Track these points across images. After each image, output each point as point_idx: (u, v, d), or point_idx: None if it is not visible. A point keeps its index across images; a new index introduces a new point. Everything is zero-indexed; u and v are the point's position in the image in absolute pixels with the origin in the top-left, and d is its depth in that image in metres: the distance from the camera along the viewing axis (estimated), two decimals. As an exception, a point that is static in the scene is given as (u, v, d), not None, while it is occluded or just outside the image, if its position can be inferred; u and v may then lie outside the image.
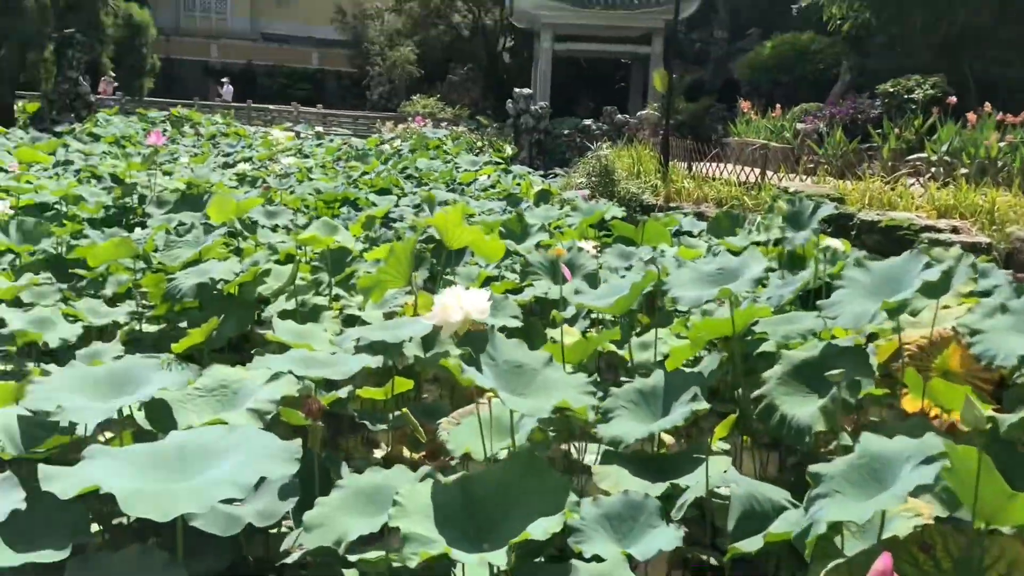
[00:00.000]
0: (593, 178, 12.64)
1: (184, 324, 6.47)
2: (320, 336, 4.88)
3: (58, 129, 19.55)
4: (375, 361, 3.31)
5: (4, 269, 7.26)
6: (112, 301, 7.01)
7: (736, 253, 6.30)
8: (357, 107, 38.73)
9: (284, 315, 5.66)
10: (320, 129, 24.21)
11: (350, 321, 5.80)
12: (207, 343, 5.56)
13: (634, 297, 3.60)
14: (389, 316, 5.79)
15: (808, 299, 4.41)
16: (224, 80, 36.92)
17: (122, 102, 27.53)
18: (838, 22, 18.11)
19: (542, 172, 17.74)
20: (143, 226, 9.66)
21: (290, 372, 3.06)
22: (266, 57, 43.83)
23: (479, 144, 20.43)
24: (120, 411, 2.68)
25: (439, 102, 36.03)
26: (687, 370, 3.34)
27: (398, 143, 18.56)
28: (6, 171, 12.74)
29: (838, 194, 8.18)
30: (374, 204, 11.58)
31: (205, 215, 9.77)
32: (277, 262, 6.91)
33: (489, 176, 14.90)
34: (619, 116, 20.75)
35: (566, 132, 21.85)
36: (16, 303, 6.37)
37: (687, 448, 3.58)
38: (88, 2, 21.91)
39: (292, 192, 11.60)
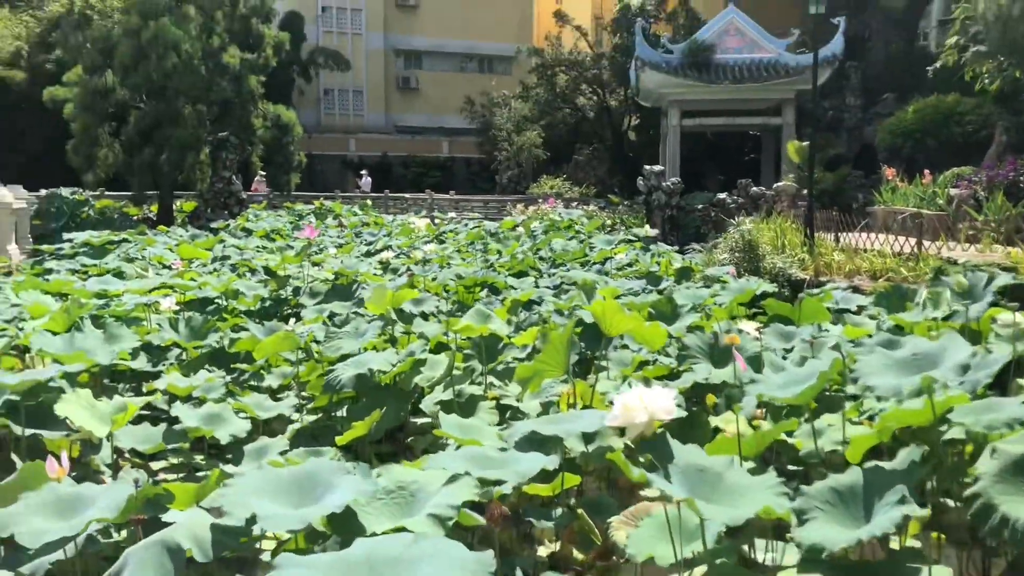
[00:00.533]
0: (736, 253, 12.33)
1: (341, 413, 6.59)
2: (486, 431, 4.81)
3: (213, 225, 20.81)
4: (551, 462, 3.19)
5: (171, 363, 7.63)
6: (274, 393, 7.23)
7: (908, 331, 5.94)
8: (486, 191, 39.72)
9: (443, 406, 5.66)
10: (453, 214, 24.83)
11: (507, 411, 5.75)
12: (368, 434, 5.63)
13: (821, 386, 3.37)
14: (547, 406, 5.70)
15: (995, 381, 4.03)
16: (363, 172, 38.68)
17: (269, 197, 29.21)
18: (985, 81, 17.31)
19: (677, 248, 17.49)
20: (297, 317, 10.02)
21: (467, 474, 2.97)
22: (400, 148, 45.73)
23: (611, 222, 20.42)
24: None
25: (566, 182, 36.51)
26: (887, 466, 3.07)
27: (533, 224, 18.77)
28: (170, 268, 13.61)
29: (1011, 263, 7.64)
30: (512, 287, 11.65)
31: (355, 304, 10.10)
32: (429, 351, 6.98)
33: (625, 254, 14.77)
34: (754, 189, 20.37)
35: (699, 207, 21.58)
36: (186, 396, 6.66)
37: (887, 551, 3.28)
38: (239, 107, 23.47)
39: (435, 279, 11.83)
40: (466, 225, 22.81)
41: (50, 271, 12.93)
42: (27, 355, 6.91)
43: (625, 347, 7.15)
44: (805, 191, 20.18)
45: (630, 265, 14.58)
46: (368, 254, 15.92)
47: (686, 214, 21.94)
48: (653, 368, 6.71)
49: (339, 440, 5.83)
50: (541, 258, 15.19)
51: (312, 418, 6.57)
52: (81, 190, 25.00)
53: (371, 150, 45.12)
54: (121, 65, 21.47)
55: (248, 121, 23.36)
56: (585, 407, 5.91)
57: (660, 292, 11.49)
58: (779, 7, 38.87)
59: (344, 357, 7.44)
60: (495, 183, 42.09)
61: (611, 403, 3.19)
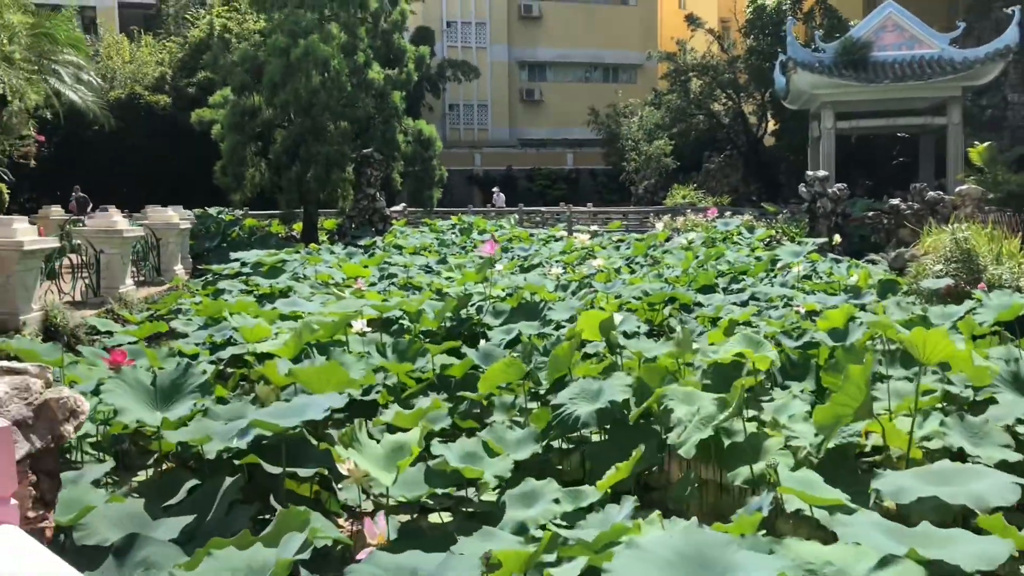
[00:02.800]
0: (953, 264, 11.11)
1: (560, 444, 5.89)
2: (825, 488, 3.98)
3: (361, 243, 20.67)
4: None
5: (379, 389, 7.10)
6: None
7: None
8: (614, 203, 38.84)
9: (705, 447, 4.87)
10: (596, 228, 24.09)
11: (798, 452, 4.91)
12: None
13: None
14: (846, 449, 4.84)
15: None
16: (495, 189, 38.52)
17: (404, 213, 29.14)
18: None
19: (849, 258, 16.20)
20: (485, 337, 9.44)
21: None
22: (524, 162, 45.38)
23: (772, 232, 19.24)
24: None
25: (697, 191, 35.28)
26: None
27: (692, 236, 17.82)
28: (341, 286, 13.31)
29: None
30: (699, 304, 10.78)
31: (542, 324, 9.43)
32: (666, 379, 6.21)
33: (800, 267, 13.61)
34: (931, 193, 18.82)
35: (869, 214, 20.13)
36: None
37: None
38: (382, 122, 23.39)
39: (619, 296, 11.06)
40: (609, 237, 22.02)
41: (222, 291, 12.81)
42: (257, 381, 6.50)
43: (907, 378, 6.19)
44: (991, 195, 18.56)
45: (808, 277, 13.49)
46: (524, 269, 15.31)
47: (851, 222, 20.52)
48: (936, 396, 5.78)
49: (600, 485, 5.13)
50: (717, 271, 14.21)
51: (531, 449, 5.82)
52: (228, 210, 25.46)
53: (496, 164, 44.93)
54: (269, 84, 21.66)
55: (392, 137, 23.24)
56: (904, 455, 5.04)
57: (863, 308, 10.43)
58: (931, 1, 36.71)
59: (559, 382, 6.76)
60: (624, 194, 41.15)
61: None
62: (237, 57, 23.33)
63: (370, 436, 4.68)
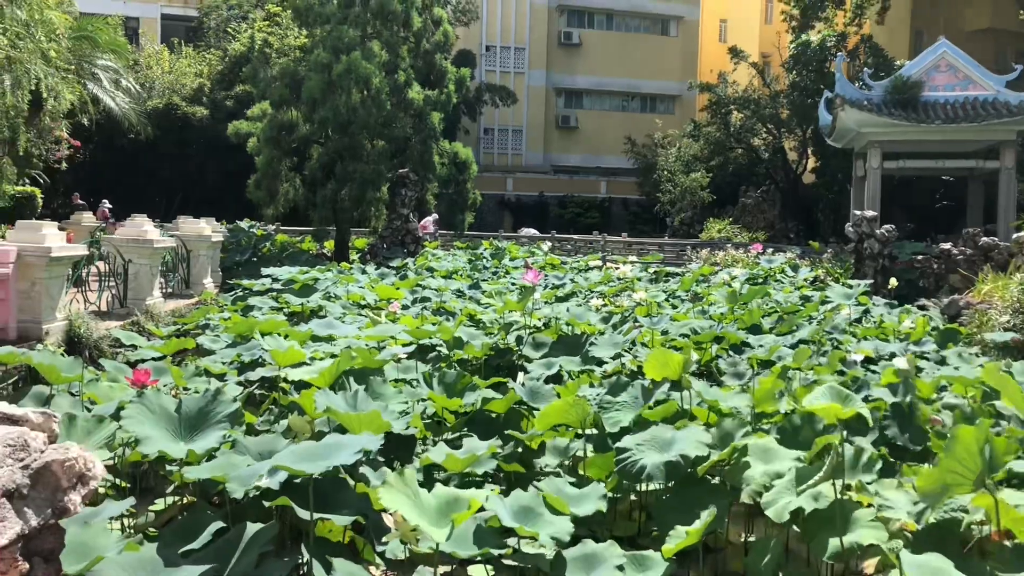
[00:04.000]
0: (1021, 315, 10.47)
1: (634, 504, 5.32)
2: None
3: (393, 264, 20.26)
4: None
5: (427, 421, 6.60)
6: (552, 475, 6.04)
7: None
8: (645, 233, 38.28)
9: (801, 517, 4.28)
10: (634, 259, 23.55)
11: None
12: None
13: None
14: (950, 526, 4.24)
15: None
16: (524, 230, 37.86)
17: (435, 236, 28.73)
18: None
19: (895, 302, 15.52)
20: (523, 370, 8.92)
21: None
22: (557, 188, 44.97)
23: (818, 272, 18.60)
24: None
25: (733, 226, 34.66)
26: None
27: (735, 272, 17.22)
28: (372, 307, 12.86)
29: None
30: (747, 343, 10.20)
31: (583, 360, 8.88)
32: (742, 432, 5.64)
33: (848, 309, 12.97)
34: (985, 239, 18.10)
35: (919, 257, 19.43)
36: (465, 477, 5.54)
37: None
38: (420, 143, 23.05)
39: (665, 332, 10.50)
40: (645, 269, 21.46)
41: (251, 307, 12.39)
42: (287, 408, 6.01)
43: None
44: (1050, 243, 17.79)
45: (859, 320, 12.87)
46: (559, 299, 14.79)
47: (898, 265, 19.82)
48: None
49: (666, 550, 4.58)
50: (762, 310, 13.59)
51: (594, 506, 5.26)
52: (259, 224, 25.18)
53: (528, 190, 44.55)
54: (309, 99, 21.40)
55: (428, 158, 22.88)
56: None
57: (923, 356, 9.81)
58: (984, 42, 36.07)
59: (623, 431, 6.23)
60: (657, 225, 40.58)
61: None
62: (277, 71, 23.14)
63: (420, 484, 4.15)
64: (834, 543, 4.23)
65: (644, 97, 49.38)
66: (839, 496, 4.46)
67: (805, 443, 5.21)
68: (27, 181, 15.36)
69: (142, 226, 13.17)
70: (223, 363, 8.56)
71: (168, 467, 5.72)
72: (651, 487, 5.70)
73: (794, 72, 35.18)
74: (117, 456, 5.37)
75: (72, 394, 6.80)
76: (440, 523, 3.78)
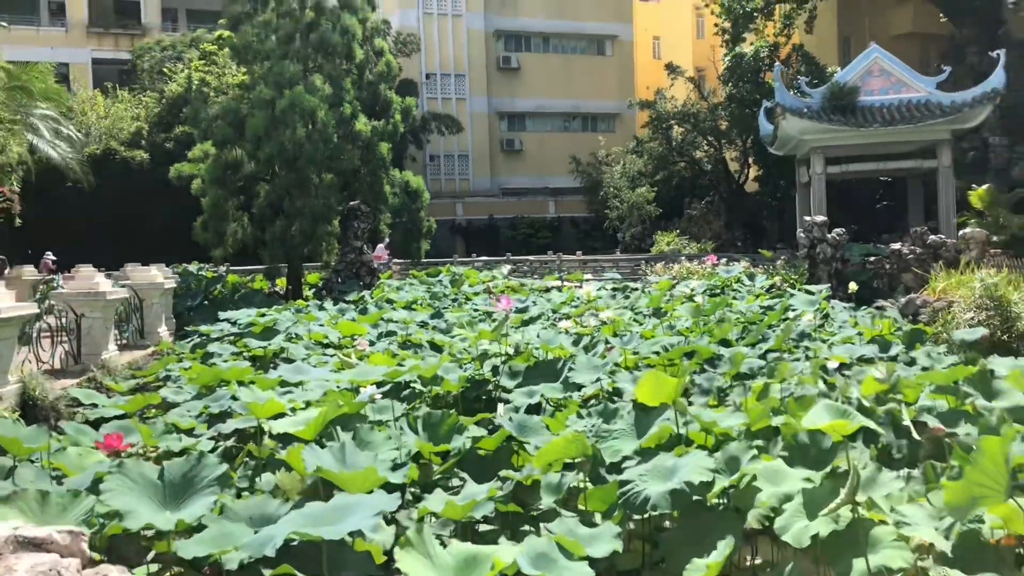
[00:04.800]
0: (985, 312, 10.63)
1: (633, 533, 5.18)
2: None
3: (349, 298, 19.93)
4: None
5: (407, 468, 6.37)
6: (554, 516, 5.87)
7: None
8: (596, 250, 38.45)
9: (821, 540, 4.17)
10: (590, 276, 23.57)
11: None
12: None
13: None
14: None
15: None
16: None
17: (390, 265, 28.42)
18: None
19: (852, 305, 15.73)
20: (503, 401, 8.75)
21: None
22: (506, 210, 45.00)
23: (774, 280, 18.78)
24: None
25: (681, 237, 35.00)
26: None
27: (693, 285, 17.28)
28: (337, 345, 12.56)
29: None
30: (719, 356, 10.17)
31: (564, 387, 8.73)
32: (749, 457, 5.54)
33: (809, 316, 13.08)
34: (933, 237, 18.51)
35: (870, 259, 19.77)
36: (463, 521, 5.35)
37: None
38: (369, 174, 22.83)
39: (636, 352, 10.42)
40: (604, 287, 21.46)
41: (211, 354, 12.01)
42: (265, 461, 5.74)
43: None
44: (995, 238, 18.29)
45: (821, 326, 12.97)
46: (525, 323, 14.65)
47: (849, 267, 20.14)
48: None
49: (685, 585, 4.45)
50: (721, 322, 13.63)
51: (610, 545, 5.13)
52: (208, 266, 24.63)
53: (478, 213, 44.50)
54: (254, 136, 21.03)
55: (379, 189, 22.63)
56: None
57: (893, 359, 9.90)
58: (909, 45, 37.09)
59: (622, 461, 6.09)
60: (607, 241, 40.81)
61: None
62: (219, 110, 22.73)
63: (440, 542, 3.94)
64: (859, 566, 4.14)
65: (585, 116, 49.80)
66: (856, 515, 4.38)
67: (814, 462, 5.12)
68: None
69: (92, 278, 12.72)
70: (191, 416, 8.24)
71: (143, 532, 5.42)
72: (647, 516, 5.58)
73: (730, 84, 35.81)
74: (96, 533, 5.06)
75: (32, 461, 6.44)
76: (466, 587, 3.59)
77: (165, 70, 37.91)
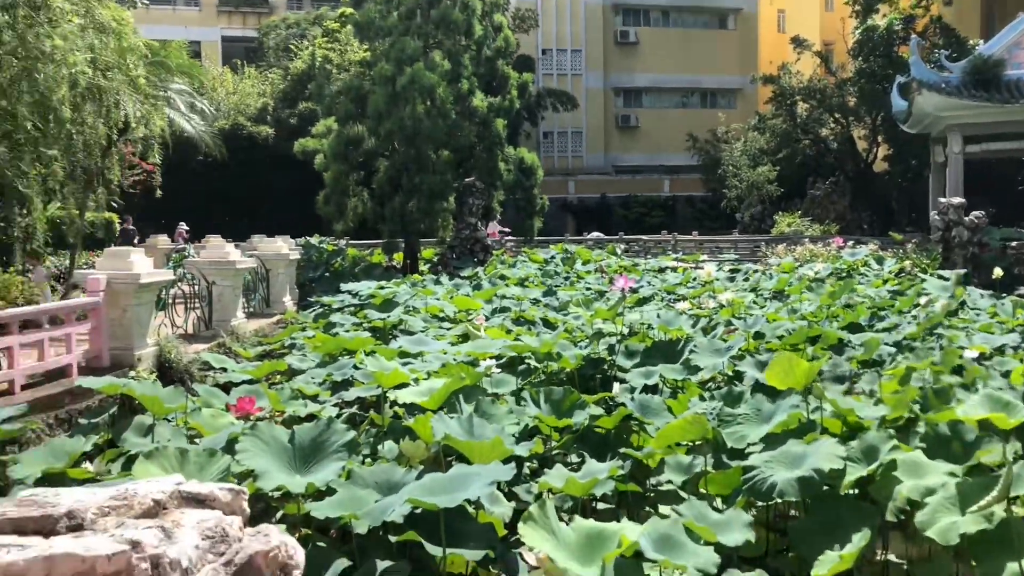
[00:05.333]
0: None
1: (765, 525, 4.99)
2: None
3: (463, 274, 20.12)
4: None
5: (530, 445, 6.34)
6: (672, 497, 5.75)
7: None
8: (713, 230, 37.58)
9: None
10: (706, 257, 23.05)
11: None
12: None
13: None
14: None
15: None
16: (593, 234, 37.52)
17: (503, 242, 28.54)
18: None
19: (991, 292, 14.80)
20: (619, 380, 8.63)
21: None
22: (619, 189, 44.50)
23: (904, 264, 17.91)
24: None
25: (803, 219, 33.78)
26: None
27: (817, 267, 16.66)
28: (452, 319, 12.69)
29: None
30: (849, 342, 9.74)
31: (684, 368, 8.52)
32: (887, 447, 5.27)
33: (957, 300, 12.36)
34: (1085, 221, 17.22)
35: (1012, 243, 18.60)
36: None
37: None
38: (485, 151, 22.91)
39: (758, 335, 10.10)
40: (721, 269, 20.93)
41: (333, 324, 12.33)
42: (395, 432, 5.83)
43: None
44: None
45: (955, 313, 12.25)
46: (639, 303, 14.43)
47: (987, 252, 18.98)
48: None
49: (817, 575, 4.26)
50: (848, 307, 13.06)
51: (742, 535, 4.96)
52: (329, 239, 25.30)
53: (590, 192, 44.16)
54: (375, 112, 21.42)
55: (494, 165, 22.70)
56: None
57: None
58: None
59: (747, 447, 5.90)
60: (723, 221, 39.81)
61: None
62: (341, 86, 23.23)
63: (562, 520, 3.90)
64: (1012, 569, 3.87)
65: (704, 92, 48.60)
66: (1009, 514, 4.10)
67: (955, 455, 4.83)
68: (104, 207, 15.61)
69: (223, 248, 13.24)
70: (315, 383, 8.48)
71: (272, 493, 5.59)
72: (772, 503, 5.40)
73: (860, 58, 34.16)
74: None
75: (168, 420, 6.74)
76: (586, 561, 3.53)
77: (291, 46, 39.02)
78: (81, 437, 5.96)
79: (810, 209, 35.77)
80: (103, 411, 7.69)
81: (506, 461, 4.66)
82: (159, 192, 11.80)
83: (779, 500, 4.99)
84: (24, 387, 8.55)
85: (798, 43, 36.48)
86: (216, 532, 1.61)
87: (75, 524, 1.52)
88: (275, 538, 1.77)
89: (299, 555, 1.80)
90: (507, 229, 25.79)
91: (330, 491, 4.54)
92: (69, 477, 5.48)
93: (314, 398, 7.95)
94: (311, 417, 7.01)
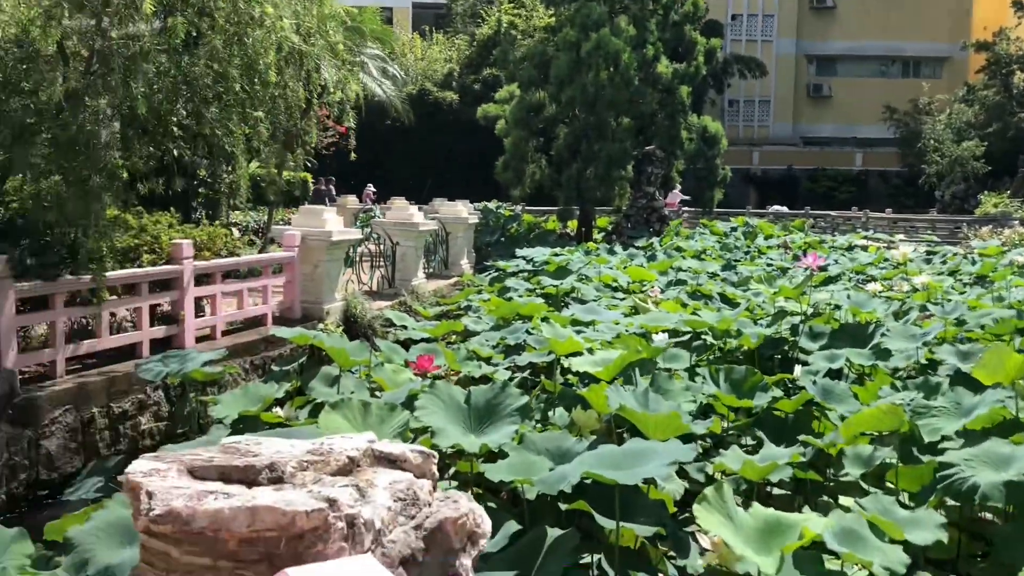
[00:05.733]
0: None
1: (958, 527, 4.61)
2: None
3: (638, 244, 19.86)
4: None
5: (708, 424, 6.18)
6: (853, 489, 5.45)
7: None
8: (908, 208, 35.20)
9: None
10: (901, 237, 21.62)
11: None
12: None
13: None
14: None
15: None
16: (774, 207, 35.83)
17: (680, 213, 27.95)
18: None
19: None
20: (801, 363, 8.24)
21: None
22: (806, 161, 42.50)
23: None
24: None
25: (1012, 199, 30.98)
26: None
27: (1029, 254, 15.20)
28: (625, 289, 12.57)
29: None
30: (1062, 338, 8.82)
31: (874, 354, 7.99)
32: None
33: None
34: None
35: None
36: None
37: None
38: (666, 118, 22.43)
39: (957, 322, 9.34)
40: (917, 250, 19.56)
41: (507, 289, 12.51)
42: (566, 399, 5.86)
43: None
44: None
45: None
46: (825, 282, 13.71)
47: None
48: None
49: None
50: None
51: (933, 535, 4.61)
52: (505, 205, 25.68)
53: (775, 163, 42.43)
54: (557, 79, 21.42)
55: (676, 133, 22.21)
56: None
57: None
58: None
59: (942, 442, 5.49)
60: (920, 199, 37.21)
61: None
62: (525, 52, 23.36)
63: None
64: None
65: (906, 60, 45.38)
66: None
67: None
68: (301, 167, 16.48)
69: (407, 210, 13.69)
70: (489, 346, 8.63)
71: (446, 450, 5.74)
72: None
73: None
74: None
75: (351, 372, 7.06)
76: (763, 549, 3.39)
77: (482, 11, 39.59)
78: (274, 383, 6.33)
79: (1021, 189, 32.78)
80: (293, 360, 8.16)
81: (682, 438, 4.54)
82: (353, 155, 12.31)
83: (979, 503, 4.62)
84: (224, 333, 9.21)
85: (1020, 6, 33.27)
86: (408, 495, 1.63)
87: (275, 476, 1.58)
88: (464, 505, 1.77)
89: (486, 524, 1.80)
90: (687, 197, 25.18)
91: (502, 453, 4.60)
92: (262, 420, 5.84)
93: (487, 360, 8.08)
94: (484, 379, 7.14)
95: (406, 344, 9.12)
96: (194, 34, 7.56)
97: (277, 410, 6.25)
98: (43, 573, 3.43)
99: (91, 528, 3.77)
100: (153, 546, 1.48)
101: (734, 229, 23.05)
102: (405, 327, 9.90)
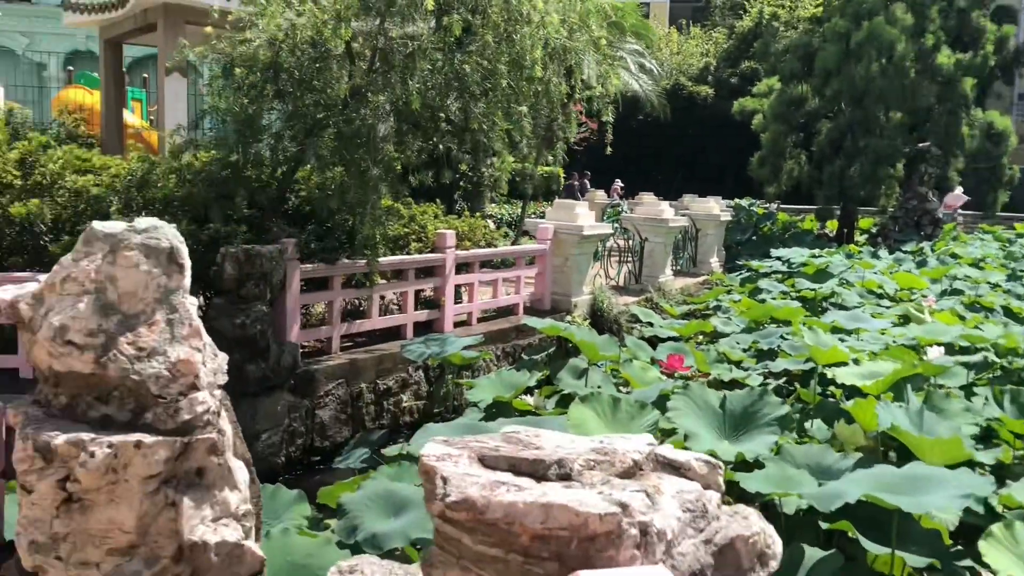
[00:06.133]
0: None
1: None
2: None
3: (906, 247, 18.41)
4: None
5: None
6: None
7: None
8: None
9: None
10: None
11: None
12: None
13: None
14: None
15: None
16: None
17: (953, 216, 25.48)
18: None
19: None
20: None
21: None
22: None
23: None
24: None
25: None
26: None
27: None
28: (892, 297, 11.68)
29: None
30: None
31: None
32: None
33: None
34: None
35: None
36: None
37: None
38: (945, 113, 20.53)
39: None
40: None
41: (759, 290, 12.03)
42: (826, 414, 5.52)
43: None
44: None
45: None
46: None
47: None
48: None
49: None
50: None
51: None
52: (758, 202, 24.70)
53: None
54: (822, 71, 20.26)
55: (955, 130, 20.27)
56: None
57: None
58: None
59: None
60: None
61: None
62: (788, 44, 22.34)
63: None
64: None
65: None
66: None
67: None
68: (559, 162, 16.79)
69: (657, 206, 13.57)
70: (740, 349, 8.33)
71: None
72: None
73: None
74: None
75: (598, 366, 7.06)
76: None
77: (746, 2, 38.39)
78: (526, 371, 6.48)
79: None
80: (542, 350, 8.34)
81: (970, 465, 4.12)
82: (609, 149, 12.35)
83: None
84: (479, 320, 9.60)
85: None
86: (697, 506, 1.56)
87: (564, 473, 1.58)
88: (755, 523, 1.67)
89: (777, 545, 1.69)
90: (969, 198, 22.96)
91: (758, 464, 4.40)
92: (513, 407, 6.00)
93: (738, 364, 7.81)
94: (734, 383, 6.90)
95: (652, 341, 9.02)
96: (465, 32, 7.92)
97: (527, 398, 6.40)
98: (319, 534, 3.71)
99: (361, 496, 4.04)
100: (446, 531, 1.53)
101: (1020, 236, 20.75)
102: (651, 324, 9.80)
